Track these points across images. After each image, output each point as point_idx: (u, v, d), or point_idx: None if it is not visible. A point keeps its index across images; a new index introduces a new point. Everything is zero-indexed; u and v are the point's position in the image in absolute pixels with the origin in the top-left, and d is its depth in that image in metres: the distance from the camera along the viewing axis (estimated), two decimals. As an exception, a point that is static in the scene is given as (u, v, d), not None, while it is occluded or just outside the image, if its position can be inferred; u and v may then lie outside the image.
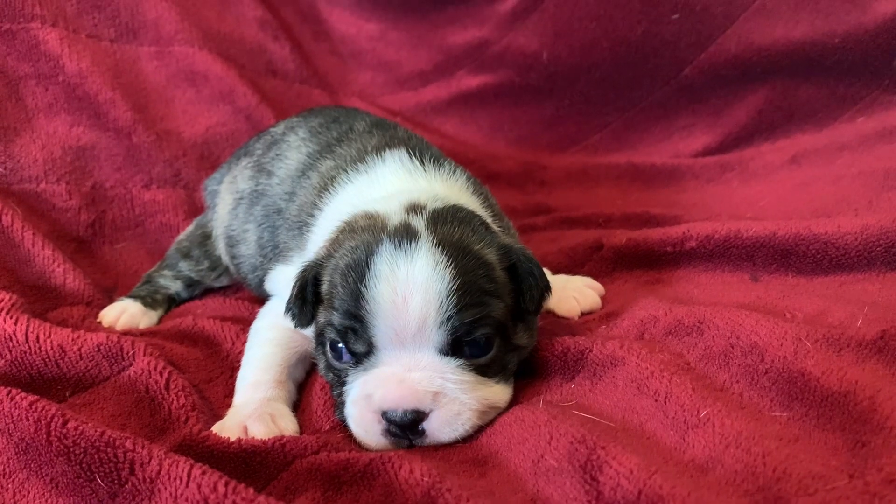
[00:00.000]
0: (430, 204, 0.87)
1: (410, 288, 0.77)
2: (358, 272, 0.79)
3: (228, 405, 0.93)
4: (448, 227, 0.83)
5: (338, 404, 0.86)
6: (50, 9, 1.52)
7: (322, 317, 0.84)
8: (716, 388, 0.77)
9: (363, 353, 0.80)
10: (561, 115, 2.00)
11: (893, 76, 1.65)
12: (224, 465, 0.73)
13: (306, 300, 0.86)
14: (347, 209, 0.93)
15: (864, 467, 0.61)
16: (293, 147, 1.19)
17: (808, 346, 0.78)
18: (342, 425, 0.84)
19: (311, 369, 1.01)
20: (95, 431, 0.73)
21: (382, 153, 1.03)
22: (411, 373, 0.78)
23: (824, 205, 1.35)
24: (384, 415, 0.78)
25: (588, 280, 1.14)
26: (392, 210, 0.86)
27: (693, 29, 1.81)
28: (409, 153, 1.02)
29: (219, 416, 0.90)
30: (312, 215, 1.02)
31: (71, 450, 0.72)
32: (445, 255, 0.79)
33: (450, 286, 0.77)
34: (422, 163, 1.01)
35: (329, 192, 1.02)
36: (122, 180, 1.50)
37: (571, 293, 1.09)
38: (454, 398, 0.78)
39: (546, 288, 0.87)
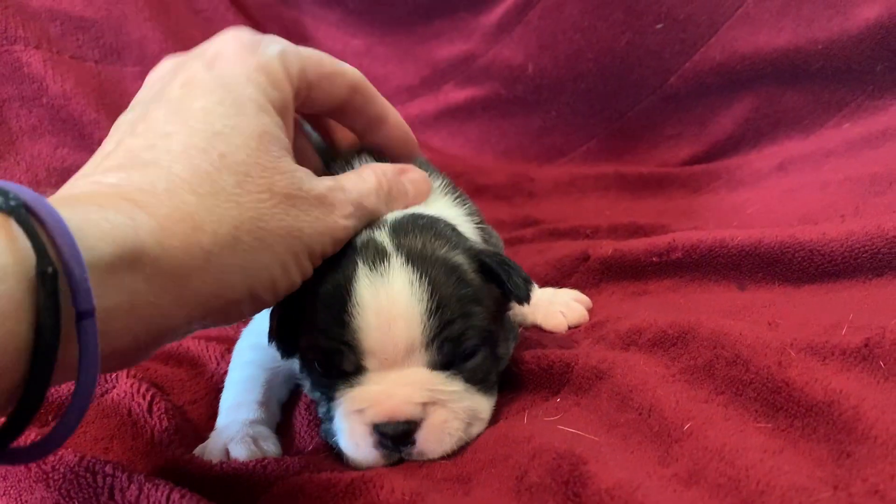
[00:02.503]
0: (390, 215, 0.84)
1: (393, 313, 0.76)
2: (338, 300, 0.77)
3: (212, 427, 0.92)
4: (412, 237, 0.80)
5: (325, 421, 0.84)
6: (33, 31, 1.52)
7: (305, 341, 0.82)
8: (700, 401, 0.76)
9: (352, 372, 0.79)
10: (548, 126, 2.00)
11: (878, 81, 1.65)
12: (206, 488, 0.72)
13: (284, 337, 0.84)
14: None
15: (848, 478, 0.61)
16: None
17: (793, 355, 0.77)
18: (326, 446, 0.84)
19: (294, 389, 1.00)
20: (74, 457, 0.72)
21: (351, 160, 0.99)
22: (401, 388, 0.77)
23: (811, 211, 1.35)
24: (376, 427, 0.77)
25: (575, 293, 1.13)
26: (369, 233, 0.83)
27: (677, 38, 1.82)
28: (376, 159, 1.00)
29: (203, 438, 0.90)
30: None
31: (50, 476, 0.72)
32: (418, 271, 0.77)
33: (430, 305, 0.76)
34: None
35: None
36: (107, 201, 1.50)
37: (558, 307, 1.08)
38: (443, 407, 0.78)
39: (526, 277, 0.85)
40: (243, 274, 0.63)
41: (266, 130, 0.66)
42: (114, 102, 1.58)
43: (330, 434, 0.83)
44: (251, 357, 0.98)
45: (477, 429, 0.82)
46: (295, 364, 0.91)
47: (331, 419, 0.82)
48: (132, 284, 0.54)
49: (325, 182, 0.72)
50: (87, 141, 1.50)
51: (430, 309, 0.76)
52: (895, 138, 1.51)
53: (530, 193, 1.85)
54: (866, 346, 0.77)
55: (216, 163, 0.62)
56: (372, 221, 0.82)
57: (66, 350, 0.49)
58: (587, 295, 1.14)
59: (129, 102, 1.58)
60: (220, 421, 0.92)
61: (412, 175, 0.87)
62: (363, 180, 0.79)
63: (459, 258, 0.82)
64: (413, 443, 0.78)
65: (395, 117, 0.87)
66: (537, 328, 1.07)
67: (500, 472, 0.73)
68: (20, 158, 1.43)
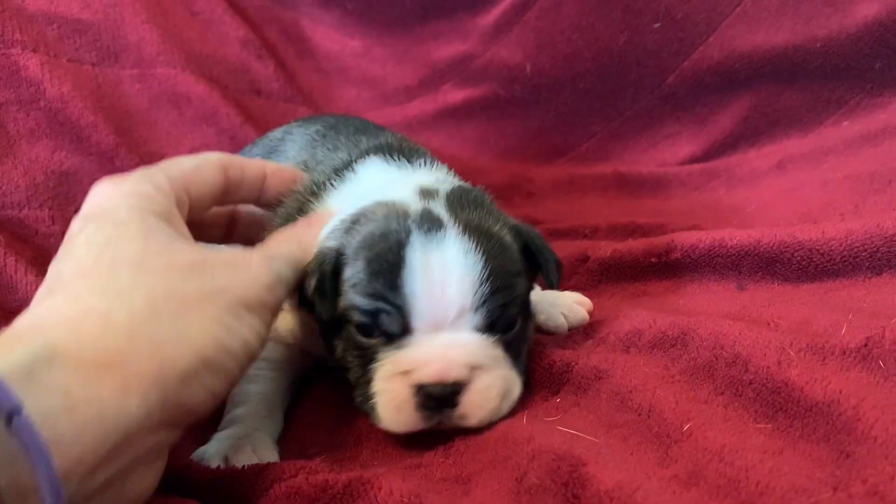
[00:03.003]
0: (441, 187, 0.90)
1: (446, 278, 0.80)
2: (390, 263, 0.80)
3: (213, 430, 0.92)
4: (467, 211, 0.86)
5: (359, 386, 0.86)
6: (30, 34, 1.51)
7: (346, 301, 0.84)
8: (699, 401, 0.76)
9: (397, 334, 0.82)
10: (546, 126, 2.00)
11: (876, 79, 1.65)
12: (201, 492, 0.72)
13: (326, 294, 0.85)
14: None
15: (847, 479, 0.60)
16: (290, 158, 1.19)
17: (792, 355, 0.77)
18: (326, 448, 0.83)
19: (295, 397, 1.00)
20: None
21: (365, 157, 1.04)
22: (449, 350, 0.80)
23: (811, 209, 1.35)
24: (421, 389, 0.79)
25: (577, 296, 1.13)
26: (406, 196, 0.88)
27: (675, 37, 1.81)
28: (390, 155, 1.03)
29: (202, 441, 0.89)
30: None
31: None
32: (472, 241, 0.82)
33: (481, 272, 0.81)
34: (409, 161, 1.03)
35: (316, 200, 1.00)
36: (105, 204, 1.49)
37: (560, 309, 1.09)
38: (486, 372, 0.82)
39: (559, 262, 0.92)
40: (182, 341, 0.63)
41: (150, 228, 0.69)
42: (112, 105, 1.57)
43: (364, 399, 0.84)
44: (259, 364, 0.97)
45: (508, 404, 0.84)
46: (311, 340, 0.96)
47: (366, 383, 0.84)
48: (60, 380, 0.54)
49: (232, 248, 0.78)
50: (84, 144, 1.50)
51: (482, 276, 0.81)
52: (894, 136, 1.50)
53: (529, 194, 1.85)
54: (866, 345, 0.76)
55: (109, 264, 0.64)
56: (426, 193, 0.88)
57: (14, 466, 0.48)
58: (587, 296, 1.13)
59: (126, 105, 1.57)
60: (223, 427, 0.91)
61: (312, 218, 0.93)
62: (273, 238, 0.85)
63: (506, 233, 0.87)
64: (455, 406, 0.80)
65: (271, 167, 0.97)
66: (538, 329, 1.06)
67: (499, 473, 0.73)
68: (18, 162, 1.42)
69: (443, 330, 0.81)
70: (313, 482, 0.71)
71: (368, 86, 2.12)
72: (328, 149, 1.14)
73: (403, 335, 0.81)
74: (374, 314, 0.81)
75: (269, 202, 0.96)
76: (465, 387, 0.80)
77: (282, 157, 1.19)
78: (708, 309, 1.01)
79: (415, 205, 0.86)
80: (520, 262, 0.87)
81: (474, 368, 0.81)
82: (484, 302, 0.81)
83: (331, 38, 2.15)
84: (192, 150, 1.62)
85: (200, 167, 0.83)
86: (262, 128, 1.70)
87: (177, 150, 1.61)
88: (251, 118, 1.72)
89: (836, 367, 0.75)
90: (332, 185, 1.00)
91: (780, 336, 0.80)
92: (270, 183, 0.94)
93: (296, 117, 1.83)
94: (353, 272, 0.83)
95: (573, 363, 0.88)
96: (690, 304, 1.06)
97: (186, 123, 1.66)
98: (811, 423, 0.69)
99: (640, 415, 0.76)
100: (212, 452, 0.83)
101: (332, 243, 0.88)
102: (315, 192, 1.00)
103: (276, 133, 1.30)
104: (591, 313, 1.09)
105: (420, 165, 1.02)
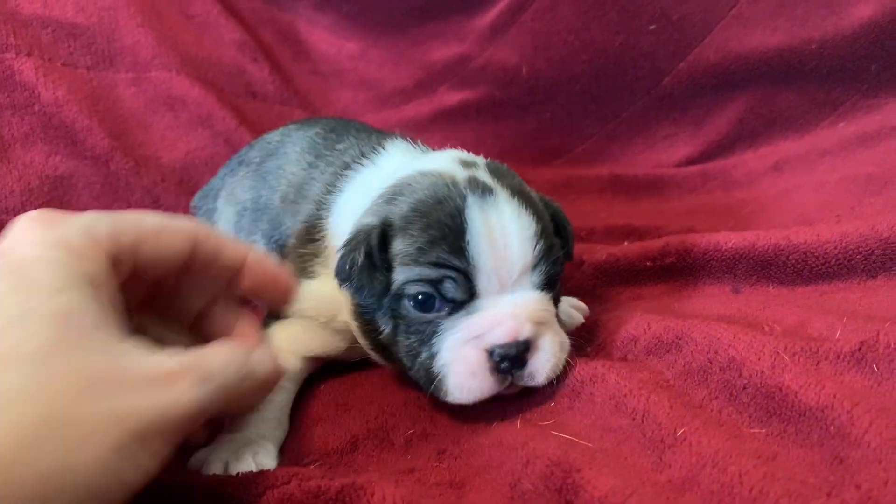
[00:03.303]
0: (479, 160, 0.94)
1: (508, 240, 0.83)
2: (451, 228, 0.82)
3: (213, 434, 0.91)
4: (507, 178, 0.90)
5: (424, 361, 0.85)
6: (25, 38, 1.51)
7: (402, 274, 0.84)
8: (693, 406, 0.76)
9: (462, 301, 0.83)
10: (543, 128, 2.00)
11: (872, 81, 1.65)
12: (193, 499, 0.72)
13: (376, 265, 0.85)
14: (363, 197, 0.94)
15: (841, 484, 0.60)
16: (292, 161, 1.18)
17: (786, 359, 0.77)
18: (320, 455, 0.83)
19: (297, 399, 1.00)
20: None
21: (383, 142, 1.07)
22: (517, 309, 0.83)
23: (807, 211, 1.35)
24: (495, 350, 0.81)
25: (573, 301, 1.13)
26: (449, 167, 0.90)
27: (671, 39, 1.81)
28: (411, 140, 1.08)
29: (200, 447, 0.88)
30: (321, 218, 1.02)
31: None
32: (521, 204, 0.85)
33: (535, 232, 0.84)
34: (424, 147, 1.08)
35: (334, 193, 1.02)
36: (100, 208, 1.47)
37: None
38: (547, 328, 0.85)
39: (573, 236, 0.98)
40: (68, 476, 0.51)
41: (69, 309, 0.57)
42: (106, 109, 1.57)
43: (428, 375, 0.84)
44: None
45: (561, 358, 0.86)
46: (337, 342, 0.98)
47: (429, 358, 0.84)
48: None
49: (160, 356, 0.61)
50: (79, 148, 1.50)
51: (536, 235, 0.84)
52: (890, 137, 1.51)
53: (526, 196, 1.84)
54: (860, 349, 0.76)
55: (7, 355, 0.53)
56: (467, 164, 0.90)
57: None
58: (582, 300, 1.13)
59: (121, 109, 1.56)
60: (227, 432, 0.89)
61: (258, 356, 0.71)
62: (215, 353, 0.66)
63: (541, 205, 0.91)
64: (525, 365, 0.83)
65: (254, 258, 0.77)
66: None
67: (493, 478, 0.73)
68: (12, 167, 1.42)
69: (506, 291, 0.83)
70: (306, 488, 0.71)
71: (365, 88, 2.12)
72: (334, 147, 1.14)
73: (469, 301, 0.83)
74: (437, 283, 0.83)
75: (242, 296, 0.79)
76: (532, 344, 0.83)
77: (282, 160, 1.19)
78: (703, 312, 1.01)
79: (460, 173, 0.88)
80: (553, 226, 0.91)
81: (540, 325, 0.84)
82: (540, 261, 0.84)
83: (327, 40, 2.15)
84: (188, 153, 1.62)
85: (164, 230, 0.69)
86: (258, 131, 1.69)
87: (171, 153, 1.61)
88: (247, 121, 1.71)
89: (831, 371, 0.75)
90: (360, 164, 1.03)
91: (774, 340, 0.80)
92: (249, 275, 0.76)
93: (292, 120, 1.83)
94: (408, 242, 0.83)
95: (568, 367, 0.87)
96: (685, 308, 1.06)
97: (182, 127, 1.65)
98: (805, 427, 0.69)
99: (634, 419, 0.75)
100: (213, 459, 0.82)
101: (372, 218, 0.88)
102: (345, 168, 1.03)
103: (274, 135, 1.30)
104: (586, 318, 1.09)
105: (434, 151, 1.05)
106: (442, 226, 0.82)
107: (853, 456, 0.63)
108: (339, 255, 0.89)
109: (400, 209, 0.86)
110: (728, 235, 1.11)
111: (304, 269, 1.02)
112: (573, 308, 1.09)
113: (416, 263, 0.83)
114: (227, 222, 1.25)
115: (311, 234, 1.03)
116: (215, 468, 0.80)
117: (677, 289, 1.14)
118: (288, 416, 0.95)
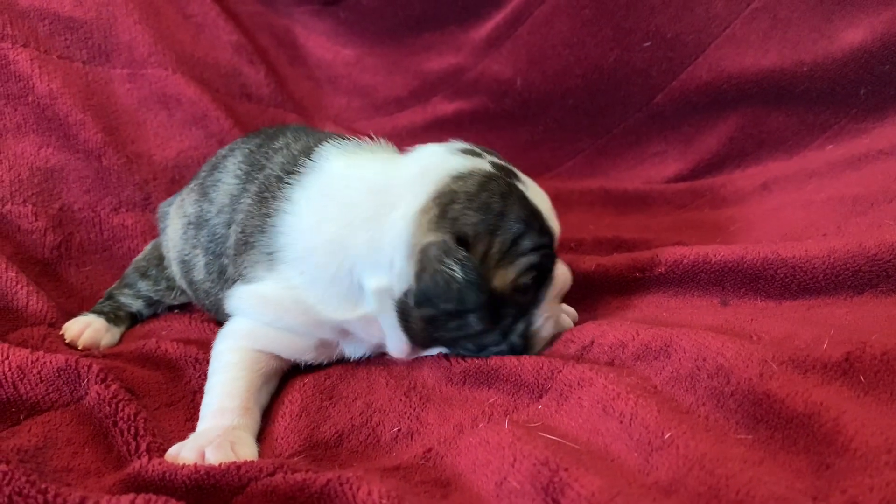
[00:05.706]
0: (470, 146, 1.03)
1: (549, 203, 0.99)
2: (531, 213, 0.93)
3: (190, 429, 0.91)
4: (497, 154, 1.04)
5: (515, 340, 0.96)
6: (21, 29, 1.51)
7: (509, 272, 0.92)
8: (681, 411, 0.76)
9: (552, 267, 0.98)
10: (535, 141, 2.01)
11: (861, 105, 1.67)
12: (175, 491, 0.71)
13: (476, 275, 0.88)
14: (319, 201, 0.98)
15: (827, 490, 0.61)
16: (230, 173, 1.17)
17: (774, 367, 0.77)
18: (309, 447, 0.82)
19: (274, 396, 0.99)
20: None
21: (318, 145, 1.09)
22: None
23: (794, 230, 1.36)
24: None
25: (563, 306, 1.13)
26: (471, 163, 0.97)
27: (664, 57, 1.83)
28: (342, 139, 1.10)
29: (180, 440, 0.88)
30: (273, 226, 1.01)
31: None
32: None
33: None
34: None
35: (278, 200, 1.02)
36: (90, 203, 1.48)
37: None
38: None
39: None
40: None
41: None
42: (101, 104, 1.57)
43: (526, 342, 0.97)
44: (232, 359, 0.97)
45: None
46: (283, 363, 1.01)
47: (529, 325, 0.97)
48: None
49: None
50: (72, 141, 1.49)
51: None
52: (877, 160, 1.52)
53: (516, 207, 1.85)
54: (847, 360, 0.77)
55: None
56: (475, 153, 1.00)
57: None
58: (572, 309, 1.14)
59: (116, 104, 1.55)
60: (202, 425, 0.90)
61: None
62: None
63: None
64: None
65: None
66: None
67: (479, 477, 0.73)
68: (3, 157, 1.41)
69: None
70: (291, 481, 0.70)
71: (359, 95, 2.13)
72: (270, 156, 1.13)
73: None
74: (540, 266, 0.94)
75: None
76: None
77: (222, 173, 1.18)
78: (691, 323, 1.02)
79: (484, 165, 0.96)
80: None
81: None
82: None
83: (323, 45, 2.15)
84: (181, 151, 1.62)
85: None
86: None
87: (164, 151, 1.61)
88: (240, 122, 1.71)
89: (818, 380, 0.75)
90: (299, 170, 1.03)
91: (762, 349, 0.80)
92: None
93: (285, 123, 1.83)
94: (502, 241, 0.91)
95: (557, 370, 0.88)
96: (674, 319, 1.06)
97: (175, 125, 1.65)
98: (792, 434, 0.70)
99: (622, 422, 0.75)
100: (188, 450, 0.81)
101: (433, 237, 0.89)
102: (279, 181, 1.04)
103: (223, 150, 1.29)
104: (575, 323, 1.09)
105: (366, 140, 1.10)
106: (524, 216, 0.92)
107: (839, 463, 0.64)
108: (417, 281, 0.89)
109: (467, 218, 0.90)
110: (717, 248, 1.11)
111: (243, 275, 1.04)
112: (563, 314, 1.10)
113: (517, 255, 0.92)
114: (174, 233, 1.25)
115: (248, 241, 1.03)
116: (190, 459, 0.79)
117: (666, 300, 1.14)
118: (258, 407, 0.95)
